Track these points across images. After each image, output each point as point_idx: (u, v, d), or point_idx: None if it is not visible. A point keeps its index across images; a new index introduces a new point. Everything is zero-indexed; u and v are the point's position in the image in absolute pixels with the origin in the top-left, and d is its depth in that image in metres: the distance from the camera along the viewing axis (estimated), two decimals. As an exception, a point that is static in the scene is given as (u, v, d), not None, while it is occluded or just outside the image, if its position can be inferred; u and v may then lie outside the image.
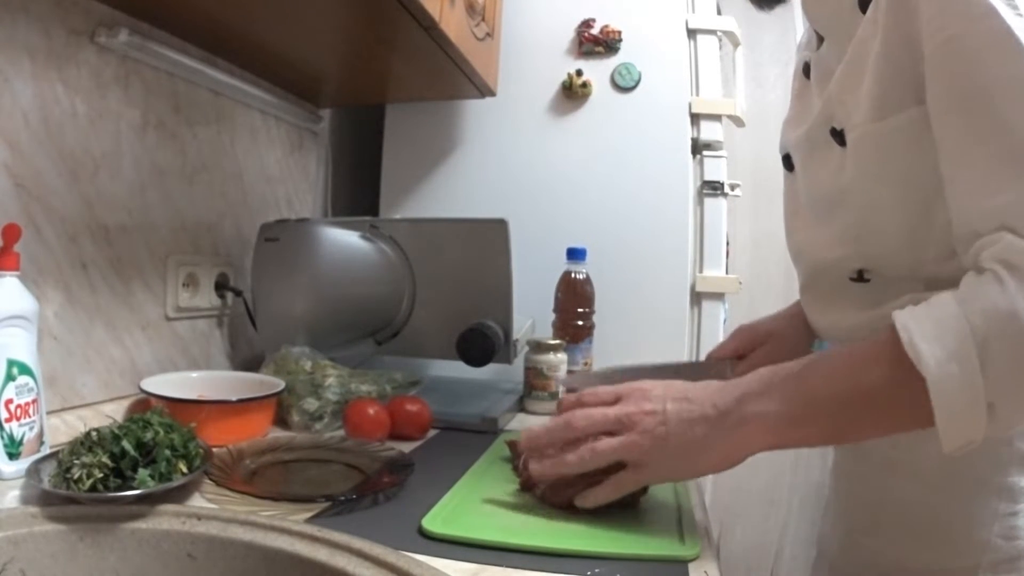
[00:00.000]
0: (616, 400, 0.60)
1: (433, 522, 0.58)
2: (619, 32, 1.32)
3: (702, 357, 1.30)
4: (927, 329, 0.49)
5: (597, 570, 0.52)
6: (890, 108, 0.56)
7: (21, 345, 0.64)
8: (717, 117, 1.31)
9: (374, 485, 0.68)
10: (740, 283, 1.32)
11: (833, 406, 0.54)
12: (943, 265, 0.55)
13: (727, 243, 1.35)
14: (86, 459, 0.57)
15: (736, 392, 0.56)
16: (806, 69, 0.72)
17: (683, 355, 1.27)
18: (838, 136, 0.62)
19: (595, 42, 1.33)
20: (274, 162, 1.24)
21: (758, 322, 0.88)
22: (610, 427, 0.58)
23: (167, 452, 0.60)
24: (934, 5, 0.51)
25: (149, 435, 0.61)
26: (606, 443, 0.58)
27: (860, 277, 0.62)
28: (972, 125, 0.51)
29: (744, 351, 0.86)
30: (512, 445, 0.78)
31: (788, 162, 0.74)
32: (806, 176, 0.70)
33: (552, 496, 0.63)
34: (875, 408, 0.52)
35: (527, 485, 0.67)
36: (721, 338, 1.30)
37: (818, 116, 0.65)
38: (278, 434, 0.86)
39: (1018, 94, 0.48)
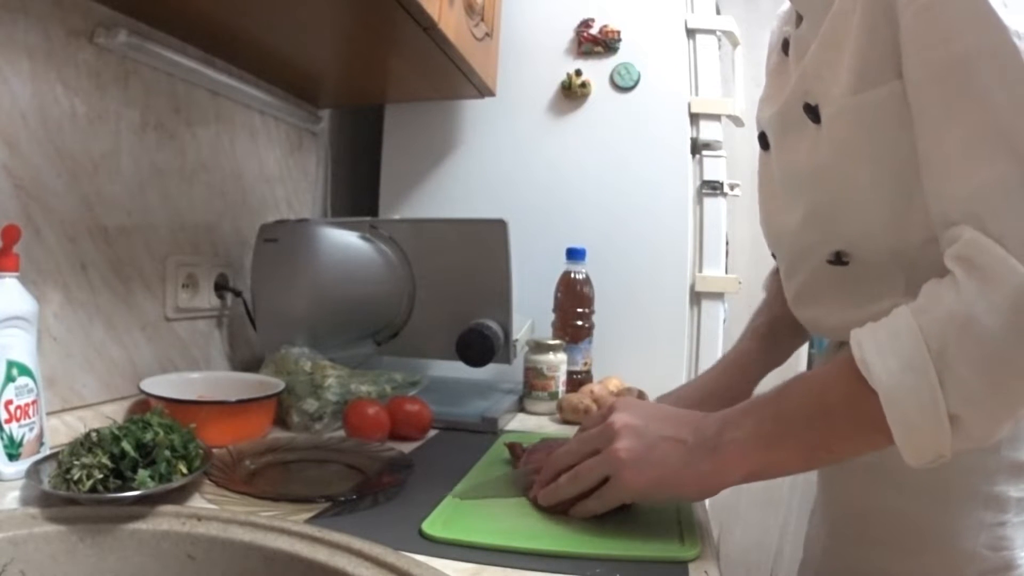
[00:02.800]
0: (604, 419, 0.61)
1: (433, 526, 0.58)
2: (618, 32, 1.32)
3: (702, 358, 1.31)
4: (881, 342, 0.48)
5: (597, 571, 0.52)
6: (869, 81, 0.54)
7: (21, 346, 0.64)
8: (716, 117, 1.31)
9: (374, 485, 0.68)
10: (740, 283, 1.32)
11: (800, 426, 0.53)
12: (926, 249, 0.52)
13: (727, 243, 1.35)
14: (86, 460, 0.57)
15: (718, 420, 0.56)
16: (784, 45, 0.69)
17: (683, 355, 1.27)
18: (812, 112, 0.59)
19: (594, 42, 1.33)
20: (273, 162, 1.24)
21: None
22: (597, 444, 0.59)
23: (167, 453, 0.60)
24: None
25: (149, 436, 0.61)
26: (587, 463, 0.59)
27: (838, 259, 0.59)
28: (945, 100, 0.48)
29: None
30: (511, 447, 0.78)
31: (764, 141, 0.71)
32: (780, 156, 0.67)
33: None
34: (840, 426, 0.51)
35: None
36: (721, 338, 1.30)
37: (792, 92, 0.63)
38: (278, 435, 0.86)
39: (993, 66, 0.46)
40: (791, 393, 0.55)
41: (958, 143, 0.48)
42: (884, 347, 0.47)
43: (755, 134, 0.73)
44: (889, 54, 0.52)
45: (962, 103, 0.48)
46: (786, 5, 0.74)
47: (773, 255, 0.74)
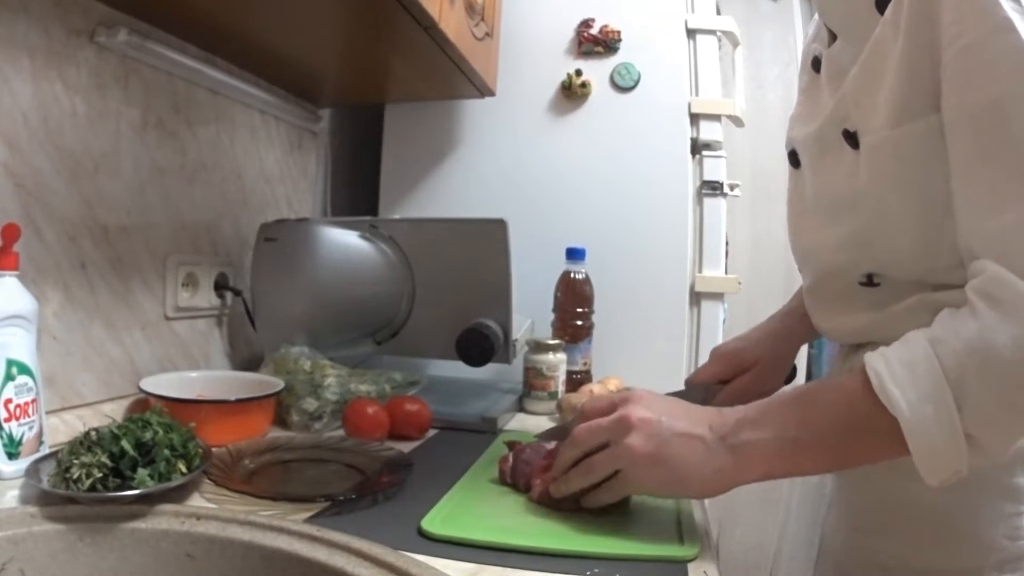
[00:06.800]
0: (613, 409, 0.60)
1: (432, 523, 0.58)
2: (618, 32, 1.32)
3: (702, 358, 1.31)
4: (898, 372, 0.50)
5: (596, 570, 0.52)
6: (909, 114, 0.55)
7: (20, 345, 0.64)
8: (716, 117, 1.31)
9: (373, 485, 0.68)
10: (740, 283, 1.32)
11: (830, 438, 0.55)
12: (955, 272, 0.54)
13: (726, 243, 1.35)
14: (85, 459, 0.57)
15: (734, 418, 0.57)
16: (816, 64, 0.70)
17: (683, 355, 1.27)
18: (851, 138, 0.61)
19: (594, 42, 1.33)
20: (273, 162, 1.24)
21: (740, 346, 0.85)
22: (607, 436, 0.59)
23: (166, 452, 0.60)
24: (954, 12, 0.50)
25: (148, 435, 0.61)
26: (598, 457, 0.59)
27: (870, 281, 0.61)
28: (979, 139, 0.51)
29: (727, 377, 0.83)
30: (511, 447, 0.78)
31: (794, 159, 0.72)
32: (815, 176, 0.68)
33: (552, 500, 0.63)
34: (867, 440, 0.53)
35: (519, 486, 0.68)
36: (720, 338, 1.31)
37: (830, 116, 0.64)
38: (277, 434, 0.86)
39: None
40: (815, 403, 0.56)
41: (988, 183, 0.50)
42: (901, 378, 0.50)
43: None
44: (928, 89, 0.54)
45: (995, 145, 0.50)
46: (815, 21, 0.74)
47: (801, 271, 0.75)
